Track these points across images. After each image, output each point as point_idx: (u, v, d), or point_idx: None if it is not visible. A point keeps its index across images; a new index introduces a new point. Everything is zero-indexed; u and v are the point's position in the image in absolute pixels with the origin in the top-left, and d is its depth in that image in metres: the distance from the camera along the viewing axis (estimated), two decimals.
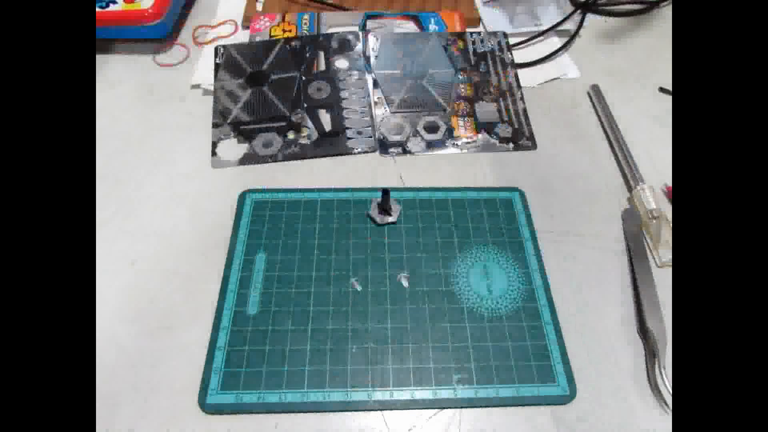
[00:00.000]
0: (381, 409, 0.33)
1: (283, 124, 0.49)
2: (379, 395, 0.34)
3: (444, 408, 0.34)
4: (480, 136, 0.49)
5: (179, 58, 0.55)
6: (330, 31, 0.57)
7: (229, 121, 0.48)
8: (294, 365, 0.35)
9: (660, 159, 0.47)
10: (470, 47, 0.55)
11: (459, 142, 0.48)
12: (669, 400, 0.34)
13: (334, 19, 0.59)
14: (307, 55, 0.54)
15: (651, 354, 0.35)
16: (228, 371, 0.34)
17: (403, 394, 0.34)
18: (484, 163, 0.47)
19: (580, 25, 0.58)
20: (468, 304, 0.38)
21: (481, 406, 0.34)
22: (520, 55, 0.56)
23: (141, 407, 0.33)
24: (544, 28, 0.58)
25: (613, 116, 0.49)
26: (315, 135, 0.48)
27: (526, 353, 0.36)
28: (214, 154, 0.47)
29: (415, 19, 0.60)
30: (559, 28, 0.58)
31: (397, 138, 0.48)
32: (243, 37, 0.57)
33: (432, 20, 0.59)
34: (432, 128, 0.49)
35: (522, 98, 0.51)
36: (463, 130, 0.49)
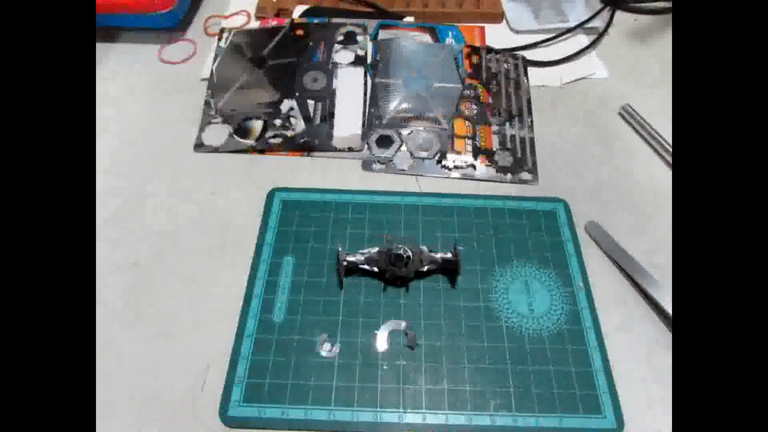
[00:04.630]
0: None
1: (271, 110, 0.46)
2: (411, 418, 0.32)
3: None
4: (477, 162, 0.44)
5: (186, 54, 0.52)
6: (336, 21, 0.54)
7: (221, 104, 0.46)
8: (321, 380, 0.33)
9: None
10: (484, 63, 0.51)
11: (450, 165, 0.44)
12: None
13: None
14: (310, 43, 0.51)
15: None
16: (251, 382, 0.32)
17: (437, 418, 0.32)
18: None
19: (609, 23, 0.55)
20: (508, 323, 0.35)
21: None
22: (545, 53, 0.53)
23: (156, 415, 0.31)
24: (571, 25, 0.55)
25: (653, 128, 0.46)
26: (301, 127, 0.45)
27: (569, 379, 0.33)
28: (199, 137, 0.45)
29: (431, 30, 0.54)
30: (587, 25, 0.55)
31: (384, 154, 0.44)
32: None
33: (450, 33, 0.54)
34: (425, 147, 0.45)
35: (531, 126, 0.47)
36: (459, 154, 0.44)
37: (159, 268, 0.37)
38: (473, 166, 0.44)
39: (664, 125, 0.46)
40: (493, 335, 0.35)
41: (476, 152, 0.45)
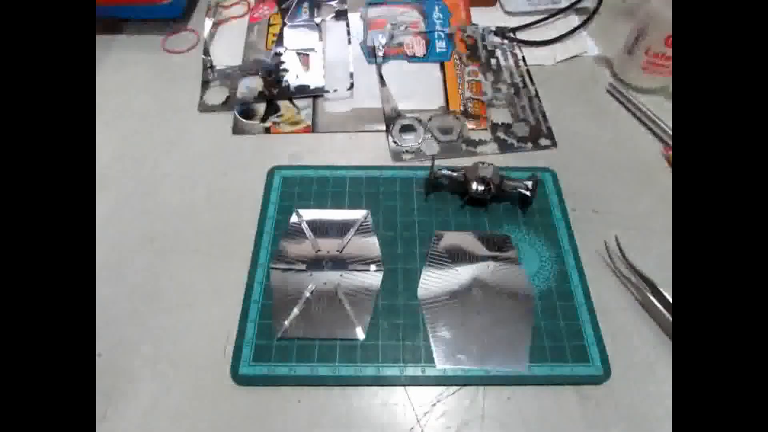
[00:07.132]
0: (412, 385, 0.33)
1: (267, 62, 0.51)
2: (411, 371, 0.34)
3: (475, 385, 0.33)
4: (497, 135, 0.47)
5: (190, 43, 0.54)
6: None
7: (218, 66, 0.51)
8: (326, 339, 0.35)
9: None
10: (479, 43, 0.54)
11: (475, 142, 0.46)
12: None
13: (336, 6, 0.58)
14: (295, 2, 0.56)
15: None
16: (260, 344, 0.34)
17: (434, 371, 0.34)
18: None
19: (600, 3, 0.57)
20: None
21: (513, 384, 0.33)
22: (538, 33, 0.55)
23: (171, 377, 0.33)
24: (563, 5, 0.57)
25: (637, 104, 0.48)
26: (294, 77, 0.50)
27: (559, 332, 0.35)
28: (201, 99, 0.49)
29: (418, 7, 0.57)
30: (578, 5, 0.57)
31: (410, 143, 0.46)
32: None
33: (436, 8, 0.57)
34: (445, 130, 0.47)
35: (537, 95, 0.49)
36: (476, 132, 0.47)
37: (173, 243, 0.39)
38: (495, 139, 0.46)
39: (647, 100, 0.48)
40: None
41: (494, 128, 0.47)
